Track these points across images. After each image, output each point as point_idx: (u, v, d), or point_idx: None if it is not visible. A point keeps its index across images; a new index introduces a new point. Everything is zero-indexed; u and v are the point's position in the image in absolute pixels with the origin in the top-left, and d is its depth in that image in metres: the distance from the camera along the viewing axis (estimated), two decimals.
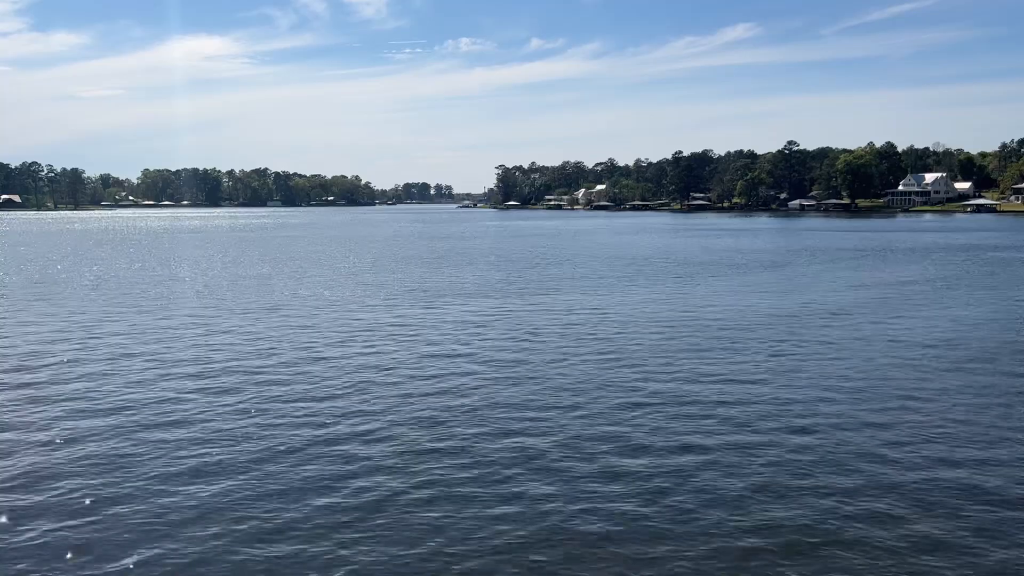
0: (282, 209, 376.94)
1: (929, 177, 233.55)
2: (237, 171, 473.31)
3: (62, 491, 13.05)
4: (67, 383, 20.44)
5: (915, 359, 23.04)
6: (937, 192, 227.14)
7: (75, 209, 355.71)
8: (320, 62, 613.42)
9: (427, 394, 19.26)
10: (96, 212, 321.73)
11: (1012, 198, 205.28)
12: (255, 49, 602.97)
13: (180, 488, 13.17)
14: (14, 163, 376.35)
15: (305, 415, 17.40)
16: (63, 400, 18.68)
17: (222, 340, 26.62)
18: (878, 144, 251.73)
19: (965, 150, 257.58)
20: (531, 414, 17.49)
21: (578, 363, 22.58)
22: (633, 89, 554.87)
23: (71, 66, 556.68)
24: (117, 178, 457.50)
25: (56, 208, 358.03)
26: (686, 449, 15.07)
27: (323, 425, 16.63)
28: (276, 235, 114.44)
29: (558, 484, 13.42)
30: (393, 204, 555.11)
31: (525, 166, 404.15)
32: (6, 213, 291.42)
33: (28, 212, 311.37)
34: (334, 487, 13.32)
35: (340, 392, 19.48)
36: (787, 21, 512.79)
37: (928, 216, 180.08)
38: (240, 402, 18.47)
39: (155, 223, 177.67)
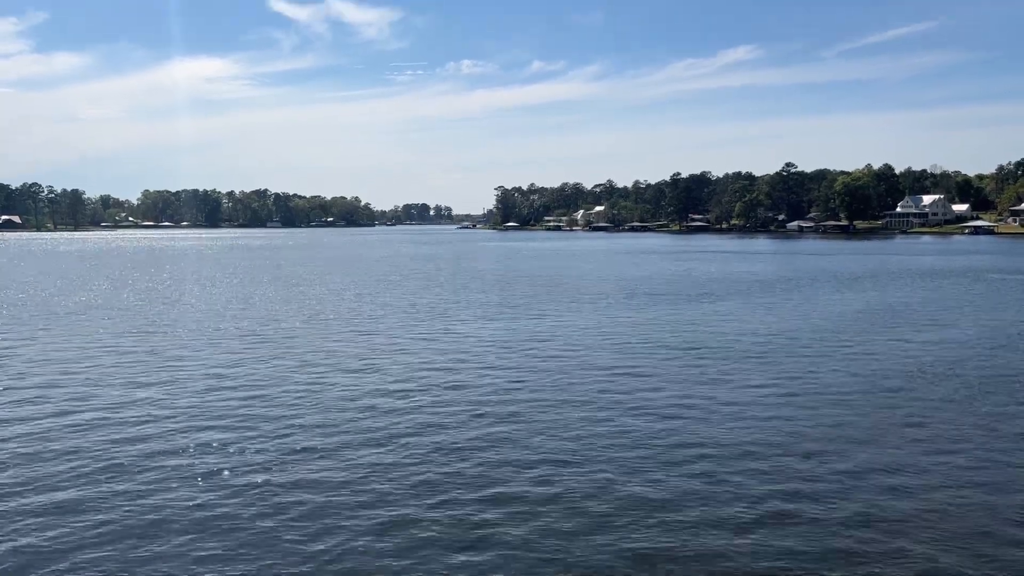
0: (281, 230, 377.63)
1: (927, 199, 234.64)
2: (237, 192, 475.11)
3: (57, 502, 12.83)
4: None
5: (914, 384, 22.85)
6: (935, 214, 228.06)
7: (75, 230, 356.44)
8: (321, 83, 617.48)
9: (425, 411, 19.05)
10: (96, 233, 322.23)
11: (1010, 220, 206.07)
12: (256, 71, 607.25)
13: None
14: (15, 184, 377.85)
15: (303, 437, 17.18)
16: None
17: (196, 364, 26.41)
18: (876, 166, 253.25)
19: (962, 172, 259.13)
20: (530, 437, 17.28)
21: (572, 381, 22.40)
22: (633, 111, 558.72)
23: (73, 87, 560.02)
24: (117, 199, 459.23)
25: (56, 229, 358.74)
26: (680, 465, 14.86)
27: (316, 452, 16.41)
28: (272, 258, 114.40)
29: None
30: (392, 225, 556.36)
31: (524, 187, 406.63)
32: (6, 234, 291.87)
33: (28, 233, 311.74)
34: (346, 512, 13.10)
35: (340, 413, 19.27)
36: (787, 43, 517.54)
37: (926, 238, 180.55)
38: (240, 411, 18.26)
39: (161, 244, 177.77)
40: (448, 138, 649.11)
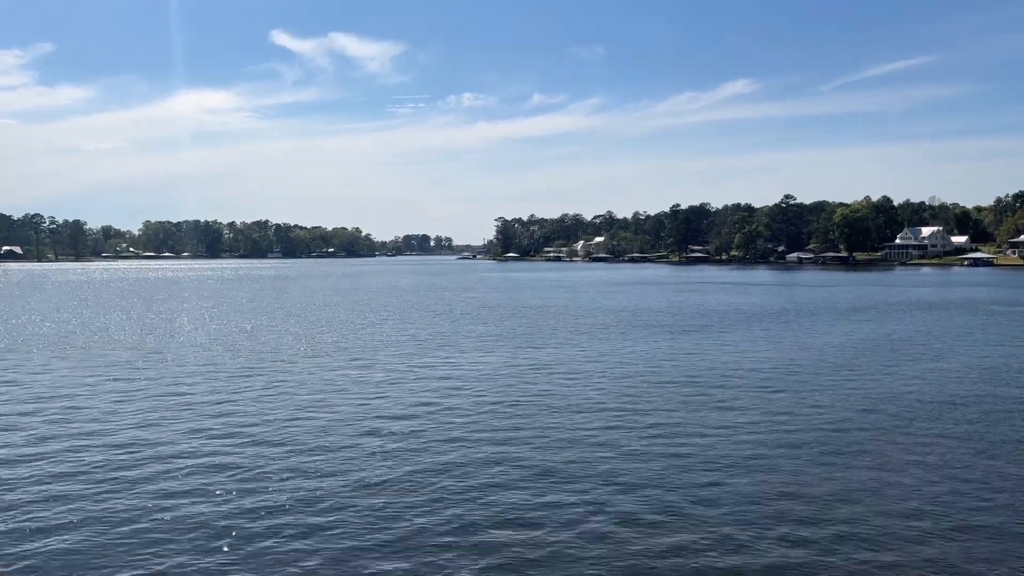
0: (282, 261, 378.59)
1: (926, 231, 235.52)
2: (238, 223, 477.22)
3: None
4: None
5: (914, 418, 22.80)
6: (934, 245, 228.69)
7: (76, 260, 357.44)
8: (323, 116, 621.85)
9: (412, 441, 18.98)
10: (96, 263, 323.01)
11: (1009, 252, 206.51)
12: (259, 103, 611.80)
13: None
14: (17, 215, 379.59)
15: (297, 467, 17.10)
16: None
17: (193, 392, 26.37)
18: (874, 198, 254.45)
19: (960, 204, 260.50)
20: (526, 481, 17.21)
21: (564, 409, 22.37)
22: (633, 143, 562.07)
23: (76, 119, 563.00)
24: (118, 230, 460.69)
25: (56, 259, 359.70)
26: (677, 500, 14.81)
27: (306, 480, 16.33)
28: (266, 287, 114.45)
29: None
30: (393, 255, 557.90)
31: (524, 218, 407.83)
32: (7, 264, 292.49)
33: (29, 264, 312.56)
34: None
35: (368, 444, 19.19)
36: (786, 77, 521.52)
37: (926, 269, 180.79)
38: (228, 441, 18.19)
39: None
40: (449, 169, 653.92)
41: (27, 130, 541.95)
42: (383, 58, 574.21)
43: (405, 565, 13.05)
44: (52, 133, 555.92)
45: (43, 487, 16.99)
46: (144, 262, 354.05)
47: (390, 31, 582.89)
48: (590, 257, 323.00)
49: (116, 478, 17.64)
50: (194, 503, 15.94)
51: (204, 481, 17.40)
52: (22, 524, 14.83)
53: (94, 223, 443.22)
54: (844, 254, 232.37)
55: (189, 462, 18.87)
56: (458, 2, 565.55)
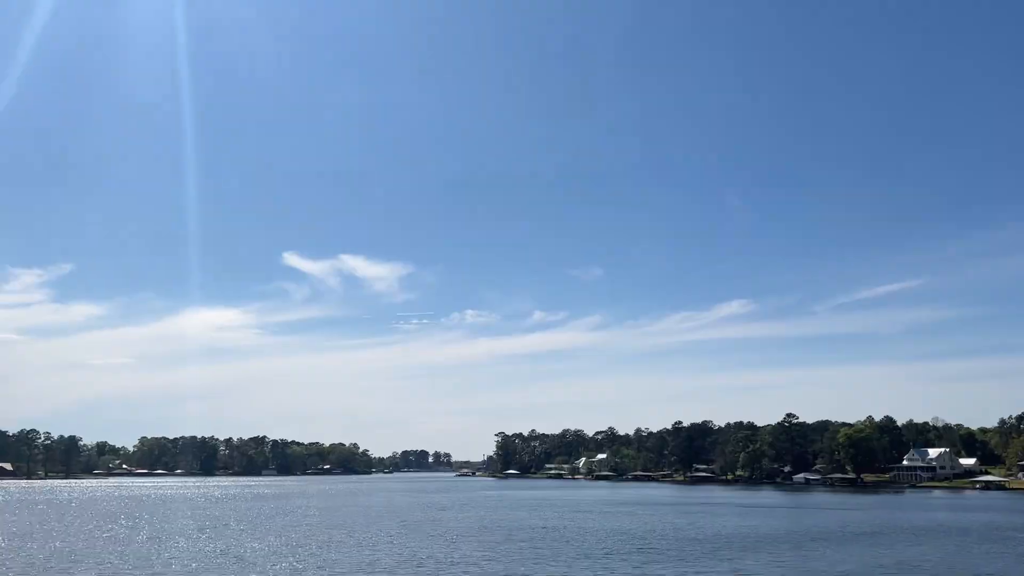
0: (275, 478, 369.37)
1: (933, 452, 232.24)
2: (235, 439, 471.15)
3: None
4: None
5: None
6: (943, 467, 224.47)
7: (66, 477, 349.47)
8: (329, 333, 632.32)
9: None
10: (86, 481, 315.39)
11: (1020, 475, 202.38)
12: (266, 320, 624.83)
13: None
14: (13, 429, 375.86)
15: None
16: None
17: None
18: (876, 417, 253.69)
19: (964, 425, 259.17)
20: None
21: None
22: (632, 359, 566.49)
23: (87, 335, 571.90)
24: (113, 446, 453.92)
25: (47, 476, 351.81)
26: None
27: None
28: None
29: None
30: (390, 472, 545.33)
31: (525, 433, 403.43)
32: None
33: (16, 481, 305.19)
34: None
35: None
36: (780, 299, 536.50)
37: (938, 492, 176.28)
38: None
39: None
40: (450, 385, 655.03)
41: (37, 345, 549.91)
42: (390, 278, 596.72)
43: None
44: (62, 348, 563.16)
45: None
46: (135, 479, 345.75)
47: (397, 253, 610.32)
48: (593, 475, 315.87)
49: None
50: None
51: None
52: None
53: (92, 438, 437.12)
54: (852, 475, 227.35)
55: None
56: (461, 228, 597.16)
